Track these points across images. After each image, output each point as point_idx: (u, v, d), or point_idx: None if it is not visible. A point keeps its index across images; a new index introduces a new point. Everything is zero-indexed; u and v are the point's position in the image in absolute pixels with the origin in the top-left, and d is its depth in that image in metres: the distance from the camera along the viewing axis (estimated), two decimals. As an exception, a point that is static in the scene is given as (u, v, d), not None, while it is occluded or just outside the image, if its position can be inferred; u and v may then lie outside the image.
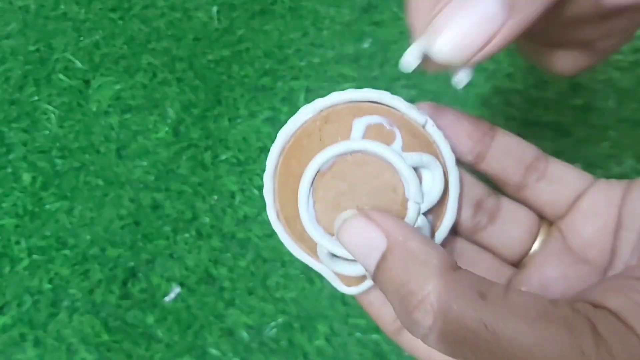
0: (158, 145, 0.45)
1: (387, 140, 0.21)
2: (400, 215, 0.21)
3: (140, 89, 0.47)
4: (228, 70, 0.47)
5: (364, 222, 0.19)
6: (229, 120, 0.45)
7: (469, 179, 0.23)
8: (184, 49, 0.48)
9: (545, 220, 0.24)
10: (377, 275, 0.18)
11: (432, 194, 0.21)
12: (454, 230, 0.23)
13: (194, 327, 0.40)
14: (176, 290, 0.41)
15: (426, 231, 0.21)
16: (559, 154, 0.44)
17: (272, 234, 0.42)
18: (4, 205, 0.44)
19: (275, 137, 0.23)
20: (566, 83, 0.45)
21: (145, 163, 0.44)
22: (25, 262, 0.42)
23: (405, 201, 0.21)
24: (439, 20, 0.17)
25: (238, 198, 0.43)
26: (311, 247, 0.22)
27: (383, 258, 0.18)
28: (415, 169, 0.21)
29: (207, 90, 0.47)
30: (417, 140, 0.21)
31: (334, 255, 0.21)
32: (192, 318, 0.40)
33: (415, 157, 0.21)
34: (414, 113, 0.21)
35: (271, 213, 0.22)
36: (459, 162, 0.22)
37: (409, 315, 0.17)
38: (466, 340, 0.16)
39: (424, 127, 0.22)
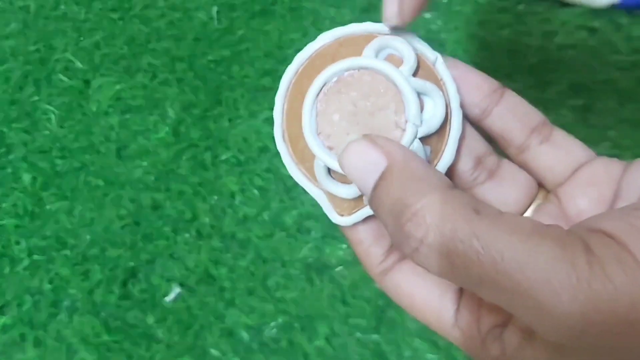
0: (158, 145, 0.45)
1: (396, 65, 0.22)
2: (398, 136, 0.21)
3: (140, 89, 0.47)
4: (228, 70, 0.47)
5: (367, 144, 0.19)
6: (229, 120, 0.45)
7: (473, 133, 0.24)
8: (184, 49, 0.48)
9: (542, 189, 0.24)
10: (374, 194, 0.19)
11: (432, 121, 0.22)
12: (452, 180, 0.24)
13: (194, 327, 0.40)
14: (176, 290, 0.41)
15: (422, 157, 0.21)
16: (559, 154, 0.44)
17: (272, 234, 0.42)
18: (4, 205, 0.44)
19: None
20: (566, 83, 0.45)
21: (145, 163, 0.45)
22: (25, 262, 0.42)
23: (404, 122, 0.21)
24: None
25: (238, 198, 0.43)
26: (310, 168, 0.23)
27: (381, 177, 0.18)
28: (419, 95, 0.21)
29: (207, 91, 0.47)
30: (425, 73, 0.22)
31: (329, 175, 0.22)
32: (192, 318, 0.40)
33: (420, 82, 0.21)
34: (426, 50, 0.22)
35: (277, 132, 0.23)
36: (465, 115, 0.23)
37: (401, 228, 0.17)
38: (457, 253, 0.16)
39: (434, 64, 0.22)
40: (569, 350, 0.16)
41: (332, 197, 0.23)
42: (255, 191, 0.43)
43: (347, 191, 0.22)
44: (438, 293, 0.22)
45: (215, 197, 0.43)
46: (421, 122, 0.21)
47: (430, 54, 0.22)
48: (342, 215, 0.23)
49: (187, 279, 0.41)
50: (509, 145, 0.24)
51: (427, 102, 0.22)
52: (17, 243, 0.43)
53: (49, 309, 0.41)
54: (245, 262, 0.41)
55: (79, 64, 0.48)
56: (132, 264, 0.42)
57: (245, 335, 0.40)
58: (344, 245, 0.41)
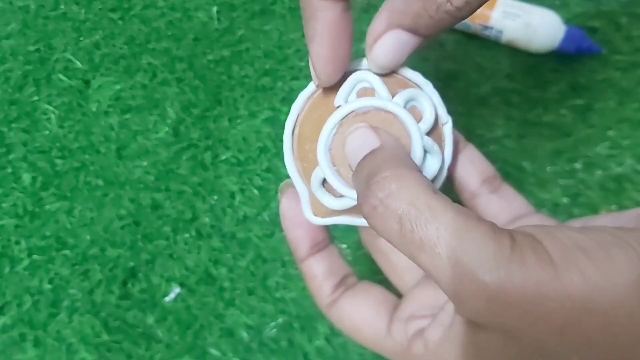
0: (158, 145, 0.45)
1: (416, 117, 0.25)
2: None
3: (140, 89, 0.47)
4: (228, 70, 0.47)
5: (369, 130, 0.23)
6: (229, 120, 0.45)
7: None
8: (184, 49, 0.48)
9: None
10: (360, 163, 0.22)
11: (427, 175, 0.25)
12: None
13: (194, 327, 0.40)
14: (176, 290, 0.41)
15: None
16: (559, 153, 0.45)
17: (272, 234, 0.42)
18: (4, 205, 0.44)
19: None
20: (566, 83, 0.45)
21: (145, 163, 0.45)
22: (25, 262, 0.42)
23: None
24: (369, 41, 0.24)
25: (238, 198, 0.43)
26: (306, 169, 0.25)
27: (370, 152, 0.22)
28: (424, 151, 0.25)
29: (207, 90, 0.47)
30: (435, 131, 0.25)
31: (322, 184, 0.25)
32: (192, 318, 0.40)
33: (430, 142, 0.24)
34: (442, 110, 0.25)
35: (288, 126, 0.25)
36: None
37: (368, 187, 0.20)
38: (409, 217, 0.18)
39: (443, 125, 0.25)
40: (481, 336, 0.19)
41: (314, 199, 0.25)
42: (255, 191, 0.43)
43: (332, 202, 0.25)
44: (374, 311, 0.26)
45: (215, 197, 0.43)
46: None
47: (444, 116, 0.25)
48: (316, 215, 0.25)
49: (187, 278, 0.41)
50: (464, 190, 0.28)
51: (428, 159, 0.25)
52: (17, 243, 0.43)
53: (49, 309, 0.41)
54: (245, 262, 0.41)
55: (78, 64, 0.48)
56: (132, 263, 0.42)
57: (245, 335, 0.40)
58: (344, 246, 0.41)
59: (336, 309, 0.26)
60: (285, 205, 0.26)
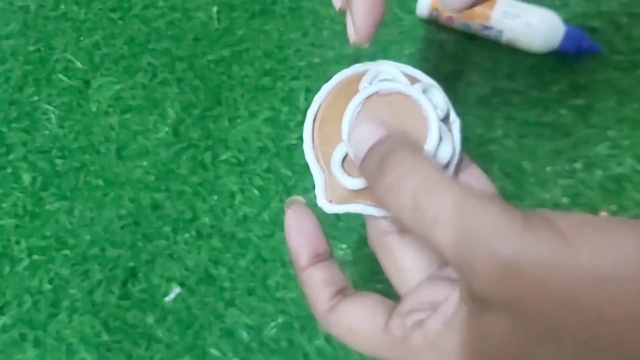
0: (158, 145, 0.45)
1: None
2: None
3: (140, 89, 0.47)
4: (228, 70, 0.47)
5: (374, 123, 0.24)
6: (229, 120, 0.45)
7: None
8: (184, 49, 0.48)
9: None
10: (371, 150, 0.23)
11: (440, 157, 0.26)
12: None
13: (194, 327, 0.40)
14: (176, 290, 0.41)
15: None
16: (559, 153, 0.45)
17: (272, 234, 0.42)
18: (4, 205, 0.44)
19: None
20: (566, 83, 0.45)
21: (145, 163, 0.44)
22: (25, 262, 0.42)
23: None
24: None
25: (238, 198, 0.43)
26: (326, 152, 0.26)
27: (380, 139, 0.23)
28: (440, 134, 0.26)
29: (207, 91, 0.47)
30: (446, 125, 0.27)
31: (342, 164, 0.26)
32: (192, 318, 0.40)
33: (444, 127, 0.26)
34: (451, 110, 0.27)
35: (310, 114, 0.27)
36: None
37: (384, 165, 0.21)
38: (416, 194, 0.19)
39: (452, 124, 0.27)
40: (486, 321, 0.19)
41: (330, 184, 0.26)
42: (255, 191, 0.43)
43: (350, 182, 0.25)
44: (372, 310, 0.26)
45: (215, 197, 0.43)
46: (434, 155, 0.26)
47: (452, 116, 0.27)
48: (330, 201, 0.26)
49: (187, 279, 0.41)
50: None
51: (441, 145, 0.26)
52: (17, 243, 0.43)
53: (49, 309, 0.41)
54: (245, 262, 0.41)
55: (79, 64, 0.48)
56: (132, 263, 0.42)
57: (245, 335, 0.40)
58: (344, 246, 0.41)
59: (335, 312, 0.27)
60: (291, 215, 0.27)
